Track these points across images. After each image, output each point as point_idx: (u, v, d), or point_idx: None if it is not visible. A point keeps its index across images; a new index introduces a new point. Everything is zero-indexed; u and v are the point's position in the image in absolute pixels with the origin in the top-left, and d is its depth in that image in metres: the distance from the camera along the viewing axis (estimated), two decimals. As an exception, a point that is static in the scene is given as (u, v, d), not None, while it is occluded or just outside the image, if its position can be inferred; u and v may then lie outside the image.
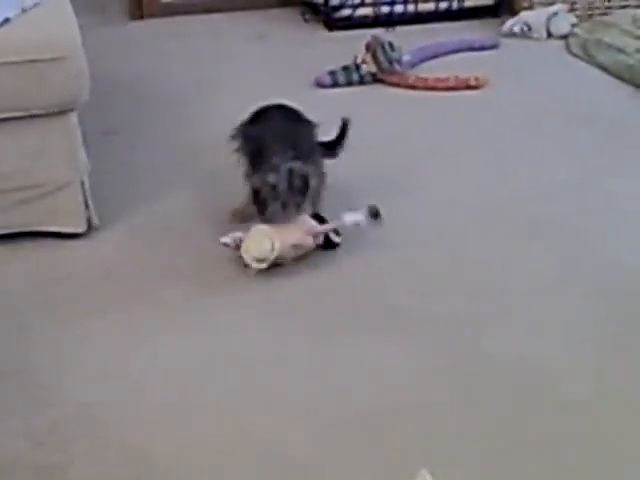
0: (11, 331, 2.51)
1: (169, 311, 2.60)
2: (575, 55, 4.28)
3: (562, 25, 4.46)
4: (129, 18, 4.69)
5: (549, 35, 4.47)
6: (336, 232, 2.81)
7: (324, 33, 4.56)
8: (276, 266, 2.71)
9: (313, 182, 2.75)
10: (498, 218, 3.02)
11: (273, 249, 2.66)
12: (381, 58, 3.90)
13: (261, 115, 2.91)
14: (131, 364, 2.40)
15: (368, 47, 3.93)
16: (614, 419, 2.23)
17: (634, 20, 4.30)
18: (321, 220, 2.81)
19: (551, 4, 4.53)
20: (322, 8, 4.63)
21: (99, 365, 2.39)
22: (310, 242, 2.75)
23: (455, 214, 3.05)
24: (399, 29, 4.50)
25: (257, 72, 4.02)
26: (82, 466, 2.09)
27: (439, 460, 2.09)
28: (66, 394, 2.29)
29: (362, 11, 4.59)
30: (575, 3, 4.59)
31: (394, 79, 3.94)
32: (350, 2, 4.55)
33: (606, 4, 4.61)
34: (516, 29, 4.47)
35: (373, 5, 4.60)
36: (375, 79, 3.95)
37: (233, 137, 2.89)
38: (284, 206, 2.72)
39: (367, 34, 4.05)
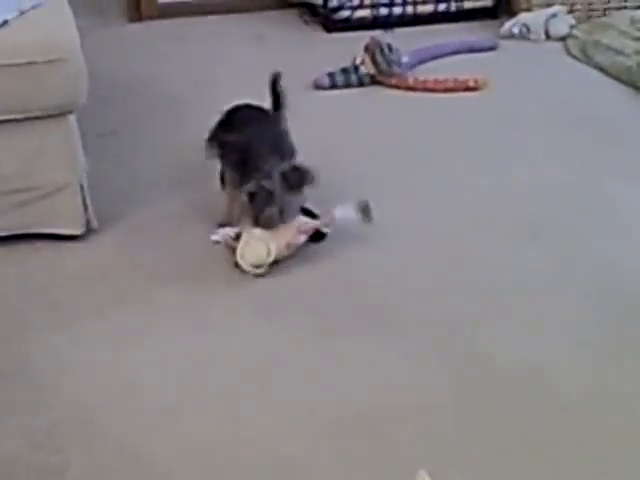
0: (9, 332, 2.50)
1: (168, 312, 2.59)
2: (574, 57, 4.28)
3: (561, 27, 4.46)
4: (127, 20, 4.68)
5: (548, 37, 4.47)
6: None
7: (323, 35, 4.56)
8: (271, 264, 2.72)
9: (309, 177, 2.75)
10: (497, 219, 3.02)
11: (269, 254, 2.68)
12: (380, 60, 3.89)
13: (233, 120, 2.93)
14: (130, 365, 2.39)
15: (367, 49, 3.93)
16: (614, 419, 2.23)
17: (632, 21, 4.30)
18: (311, 214, 2.82)
19: (550, 5, 4.53)
20: (321, 10, 4.63)
21: (97, 366, 2.39)
22: (303, 240, 2.76)
23: (454, 215, 3.05)
24: (398, 31, 4.48)
25: (255, 74, 3.97)
26: (80, 468, 2.08)
27: (439, 460, 2.08)
28: (65, 395, 2.29)
29: (361, 13, 4.59)
30: (574, 4, 4.59)
31: (393, 81, 3.93)
32: (349, 4, 4.55)
33: (604, 5, 4.61)
34: (515, 31, 4.46)
35: (372, 7, 4.59)
36: (374, 81, 3.95)
37: (210, 144, 2.91)
38: (281, 211, 2.72)
39: (366, 36, 4.05)
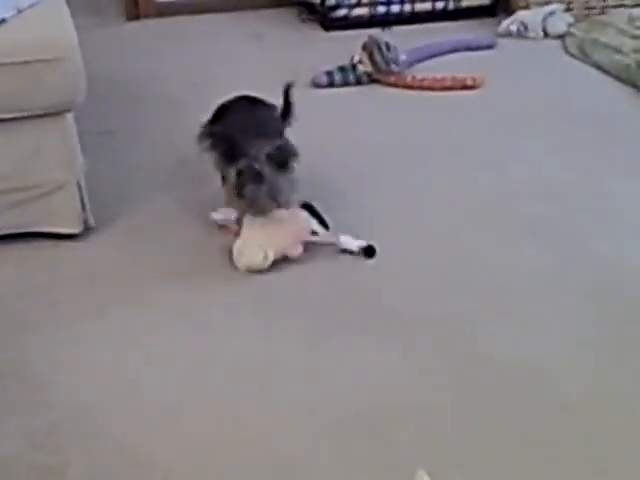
0: (8, 332, 2.50)
1: (166, 311, 2.59)
2: (571, 55, 4.28)
3: (558, 25, 4.46)
4: (125, 18, 4.68)
5: (546, 35, 4.47)
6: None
7: (321, 33, 4.56)
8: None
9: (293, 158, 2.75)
10: (496, 218, 3.02)
11: (266, 259, 2.69)
12: (378, 58, 3.89)
13: (222, 112, 2.94)
14: (129, 365, 2.39)
15: (365, 47, 3.93)
16: (614, 419, 2.23)
17: (630, 19, 4.30)
18: (312, 210, 2.81)
19: (547, 3, 4.53)
20: (319, 8, 4.62)
21: (96, 366, 2.39)
22: (300, 251, 2.76)
23: (453, 214, 3.05)
24: (396, 29, 4.49)
25: (253, 72, 4.01)
26: (80, 468, 2.08)
27: (439, 460, 2.08)
28: (64, 395, 2.28)
29: (358, 11, 4.58)
30: (571, 2, 4.59)
31: (391, 79, 3.93)
32: (347, 2, 4.55)
33: (602, 3, 4.61)
34: (513, 29, 4.46)
35: (369, 5, 4.59)
36: (371, 79, 3.94)
37: (201, 139, 2.91)
38: (272, 192, 2.71)
39: (364, 34, 4.04)
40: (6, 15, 2.70)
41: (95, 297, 2.65)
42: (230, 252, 2.74)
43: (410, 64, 4.03)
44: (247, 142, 2.74)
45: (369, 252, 2.78)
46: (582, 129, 3.59)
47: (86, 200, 2.85)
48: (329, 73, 3.93)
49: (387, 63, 3.90)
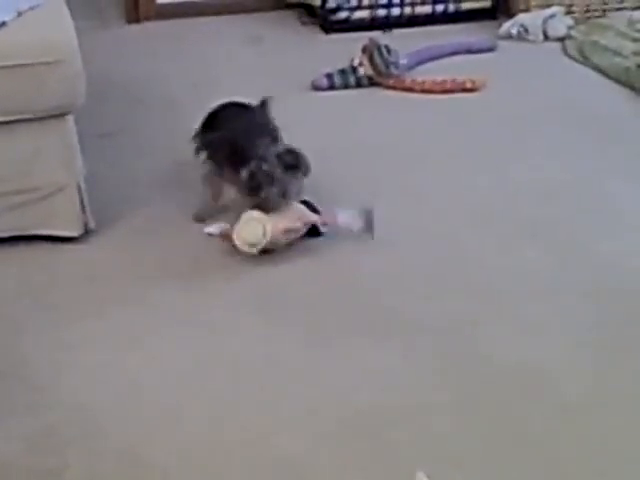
0: (7, 333, 2.50)
1: (167, 312, 2.59)
2: (572, 57, 4.27)
3: (559, 27, 4.46)
4: (126, 21, 4.67)
5: (546, 37, 4.47)
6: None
7: (321, 36, 4.55)
8: (265, 253, 2.74)
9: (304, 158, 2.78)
10: (496, 219, 3.02)
11: (265, 233, 2.69)
12: (378, 61, 3.89)
13: (214, 119, 2.95)
14: (128, 366, 2.39)
15: (365, 50, 3.93)
16: (614, 419, 2.23)
17: (630, 22, 4.30)
18: (311, 207, 2.81)
19: (548, 6, 4.53)
20: (319, 11, 4.62)
21: (96, 367, 2.39)
22: (300, 226, 2.77)
23: (453, 215, 3.05)
24: (396, 32, 4.49)
25: (254, 75, 4.02)
26: (79, 469, 2.08)
27: (438, 460, 2.08)
28: (63, 396, 2.28)
29: (359, 14, 4.58)
30: (572, 5, 4.59)
31: (391, 82, 3.93)
32: (347, 5, 4.55)
33: (602, 6, 4.61)
34: (513, 31, 4.46)
35: (370, 8, 4.58)
36: (372, 82, 3.94)
37: (198, 149, 2.94)
38: (284, 193, 2.73)
39: (364, 37, 4.04)
40: (6, 18, 2.70)
41: (95, 298, 2.65)
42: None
43: (410, 67, 4.03)
44: (251, 144, 2.75)
45: (369, 221, 2.79)
46: (582, 131, 3.59)
47: (86, 202, 2.85)
48: (329, 76, 3.93)
49: (387, 66, 3.90)
